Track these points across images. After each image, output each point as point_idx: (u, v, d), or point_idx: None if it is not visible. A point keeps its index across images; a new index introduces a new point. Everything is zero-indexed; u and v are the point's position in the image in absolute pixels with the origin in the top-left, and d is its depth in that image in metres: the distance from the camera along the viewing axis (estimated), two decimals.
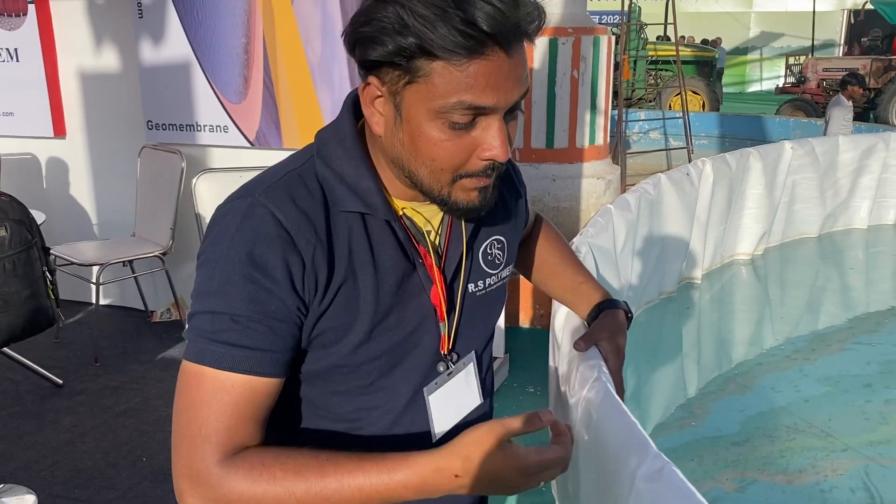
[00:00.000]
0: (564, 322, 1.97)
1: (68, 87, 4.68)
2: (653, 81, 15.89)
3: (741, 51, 26.81)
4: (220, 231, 0.93)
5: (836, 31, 25.47)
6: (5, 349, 3.41)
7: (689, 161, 5.97)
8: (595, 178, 5.93)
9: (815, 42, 21.78)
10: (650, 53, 15.44)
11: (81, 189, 4.83)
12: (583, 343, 1.33)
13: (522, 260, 1.41)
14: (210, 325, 0.90)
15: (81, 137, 4.74)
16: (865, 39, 20.59)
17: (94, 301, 4.27)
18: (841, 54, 22.80)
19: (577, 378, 1.63)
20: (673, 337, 4.57)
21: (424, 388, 1.06)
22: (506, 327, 4.06)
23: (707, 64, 16.98)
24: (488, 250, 1.13)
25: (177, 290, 4.48)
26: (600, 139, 6.12)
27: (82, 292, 4.60)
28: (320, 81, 3.95)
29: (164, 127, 4.40)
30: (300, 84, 4.00)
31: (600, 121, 6.08)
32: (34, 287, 3.03)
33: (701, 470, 3.10)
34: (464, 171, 0.92)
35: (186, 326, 0.95)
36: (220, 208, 0.96)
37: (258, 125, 4.17)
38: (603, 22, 15.91)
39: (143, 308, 4.70)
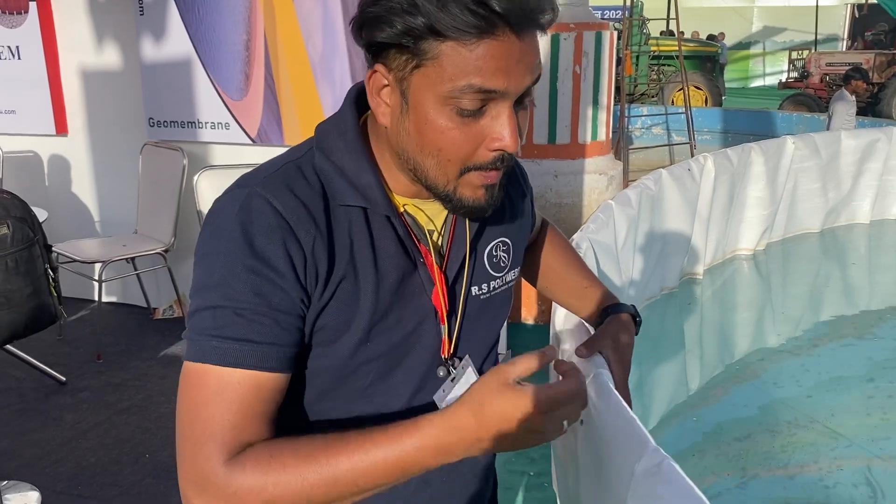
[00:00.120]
0: (565, 318, 1.97)
1: (70, 84, 4.69)
2: (655, 77, 15.87)
3: (744, 45, 26.74)
4: (218, 224, 0.90)
5: (840, 26, 25.38)
6: (8, 346, 3.42)
7: (692, 156, 5.96)
8: (597, 174, 5.92)
9: (819, 36, 21.72)
10: (652, 49, 15.41)
11: (83, 186, 4.84)
12: (585, 349, 1.27)
13: (528, 266, 1.37)
14: (212, 321, 0.86)
15: (83, 135, 4.75)
16: (869, 34, 20.54)
17: (96, 298, 4.28)
18: (844, 49, 22.73)
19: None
20: (674, 333, 4.57)
21: (435, 397, 1.02)
22: (508, 323, 4.06)
23: (709, 59, 16.95)
24: (493, 252, 1.10)
25: (179, 286, 4.49)
26: (602, 135, 6.10)
27: (85, 289, 4.61)
28: (321, 78, 3.96)
29: (165, 124, 4.40)
30: (301, 80, 4.01)
31: (602, 116, 6.06)
32: (36, 284, 3.03)
33: (703, 465, 3.11)
34: (472, 164, 0.89)
35: (187, 327, 0.91)
36: (217, 201, 0.94)
37: (259, 122, 4.17)
38: (605, 17, 15.90)
39: (145, 305, 4.71)
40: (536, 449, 3.17)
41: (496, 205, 0.95)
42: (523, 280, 1.34)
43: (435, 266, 1.00)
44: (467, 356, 1.07)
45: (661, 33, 16.87)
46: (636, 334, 1.28)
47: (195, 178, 4.26)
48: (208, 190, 4.27)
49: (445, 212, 1.02)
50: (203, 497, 0.84)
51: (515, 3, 0.82)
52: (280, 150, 1.02)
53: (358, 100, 0.98)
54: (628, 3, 10.99)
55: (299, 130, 4.06)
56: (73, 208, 4.85)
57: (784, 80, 18.30)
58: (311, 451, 0.83)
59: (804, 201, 5.99)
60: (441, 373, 1.03)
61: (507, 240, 1.12)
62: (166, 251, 4.29)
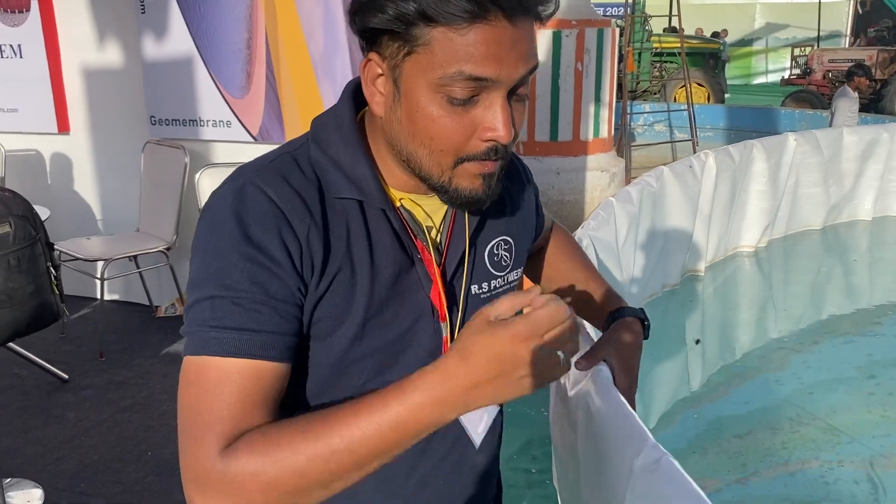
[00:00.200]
0: None
1: (72, 82, 4.69)
2: (657, 73, 15.85)
3: (746, 42, 26.69)
4: (212, 216, 0.89)
5: (843, 22, 25.32)
6: (11, 344, 3.42)
7: (694, 154, 5.96)
8: (599, 170, 5.93)
9: (822, 33, 21.68)
10: (655, 45, 15.39)
11: (85, 185, 4.85)
12: (584, 361, 1.22)
13: (535, 269, 1.35)
14: (210, 313, 0.84)
15: (85, 133, 4.75)
16: (872, 30, 20.51)
17: (98, 296, 4.29)
18: (847, 45, 22.69)
19: (576, 371, 1.64)
20: (676, 329, 4.57)
21: None
22: None
23: (712, 56, 16.92)
24: (494, 251, 1.07)
25: (181, 284, 4.49)
26: (604, 132, 6.12)
27: (87, 288, 4.61)
28: (323, 75, 3.96)
29: (167, 122, 4.41)
30: (303, 78, 4.01)
31: (604, 113, 6.07)
32: (39, 282, 3.03)
33: (704, 462, 3.11)
34: (465, 154, 0.87)
35: (185, 321, 0.89)
36: (213, 194, 0.93)
37: (261, 120, 4.18)
38: (607, 14, 15.88)
39: (147, 303, 4.72)
40: (538, 446, 3.18)
41: (494, 197, 0.93)
42: (523, 278, 1.31)
43: (433, 263, 0.99)
44: None
45: (665, 30, 16.85)
46: (646, 338, 1.25)
47: (197, 176, 4.27)
48: (210, 188, 4.27)
49: (444, 208, 1.00)
50: (204, 495, 0.81)
51: None
52: None
53: (356, 94, 0.98)
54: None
55: (301, 128, 4.04)
56: (75, 206, 4.86)
57: (786, 76, 18.26)
58: (305, 426, 0.81)
59: (806, 198, 6.00)
60: None
61: (508, 239, 1.10)
62: (168, 249, 4.30)
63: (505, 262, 1.09)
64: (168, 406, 3.55)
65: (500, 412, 1.17)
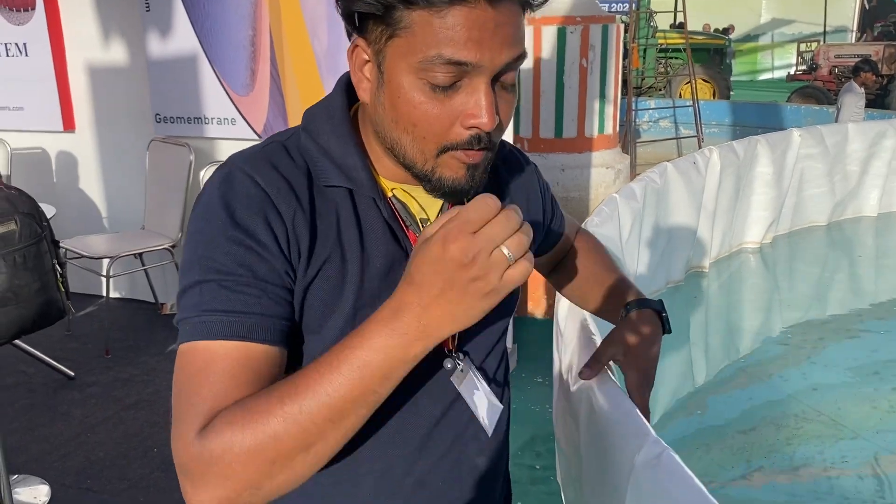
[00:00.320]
0: (568, 311, 1.98)
1: (77, 81, 4.71)
2: (663, 70, 15.82)
3: (752, 37, 26.64)
4: (201, 204, 0.89)
5: (849, 17, 25.26)
6: (17, 342, 3.44)
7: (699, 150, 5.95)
8: (604, 167, 5.92)
9: (828, 28, 21.64)
10: (660, 41, 15.36)
11: (91, 182, 4.86)
12: (588, 370, 1.18)
13: (560, 278, 1.32)
14: (199, 298, 0.83)
15: (90, 131, 4.77)
16: (878, 25, 20.43)
17: (104, 294, 4.30)
18: (853, 40, 22.63)
19: (578, 366, 1.64)
20: (680, 326, 4.57)
21: (453, 379, 0.99)
22: (515, 317, 4.07)
23: (718, 52, 16.88)
24: None
25: None
26: (609, 128, 6.10)
27: (93, 285, 4.63)
28: (327, 73, 3.96)
29: (172, 120, 4.42)
30: (307, 76, 4.01)
31: (609, 110, 6.06)
32: (44, 280, 3.05)
33: (708, 458, 3.11)
34: (448, 143, 0.85)
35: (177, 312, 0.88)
36: (204, 184, 0.92)
37: (266, 117, 4.18)
38: (612, 10, 15.85)
39: (153, 300, 4.73)
40: (543, 443, 3.19)
41: (478, 188, 0.89)
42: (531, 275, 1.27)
43: None
44: (478, 354, 1.04)
45: (671, 26, 16.81)
46: (667, 332, 1.19)
47: (202, 173, 4.28)
48: None
49: (440, 201, 0.99)
50: (191, 479, 0.78)
51: None
52: None
53: (350, 86, 0.96)
54: None
55: None
56: (80, 204, 4.87)
57: (792, 72, 18.22)
58: (277, 389, 0.78)
59: (811, 194, 5.98)
60: (448, 365, 0.99)
61: None
62: (173, 247, 4.31)
63: None
64: None
65: (507, 417, 1.15)
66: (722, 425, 3.44)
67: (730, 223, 5.36)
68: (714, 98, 15.13)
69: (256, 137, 4.22)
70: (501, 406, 1.07)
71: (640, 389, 1.16)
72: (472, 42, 0.80)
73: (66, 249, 4.04)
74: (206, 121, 4.34)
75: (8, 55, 4.76)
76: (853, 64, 9.85)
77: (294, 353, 0.91)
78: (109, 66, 4.60)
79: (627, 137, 8.98)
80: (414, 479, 1.01)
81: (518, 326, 4.13)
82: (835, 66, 15.51)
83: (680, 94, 14.44)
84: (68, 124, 4.76)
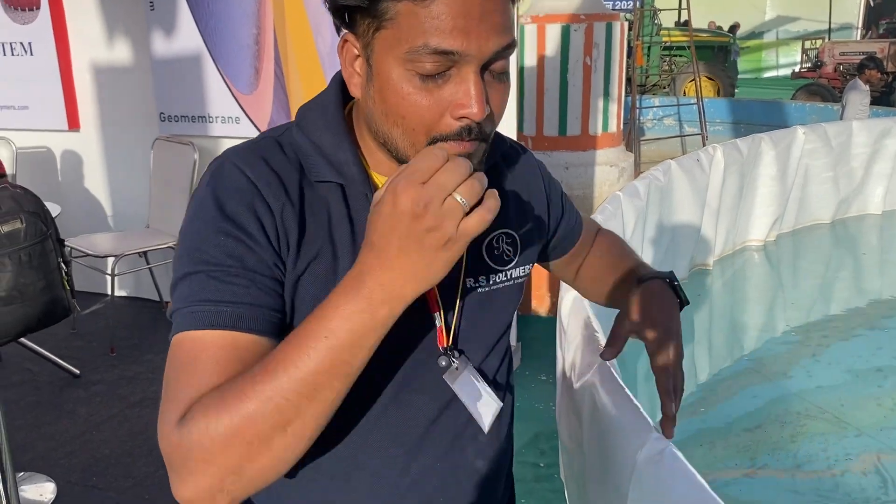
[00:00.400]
0: (571, 308, 1.98)
1: (82, 80, 4.72)
2: (667, 67, 15.80)
3: (756, 35, 26.57)
4: (193, 199, 0.89)
5: (854, 14, 25.15)
6: (23, 340, 3.45)
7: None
8: (608, 165, 5.92)
9: (833, 25, 21.58)
10: (664, 39, 15.35)
11: (96, 181, 4.88)
12: (609, 350, 1.11)
13: (582, 280, 1.29)
14: (188, 290, 0.83)
15: (95, 130, 4.78)
16: (884, 22, 20.39)
17: (109, 292, 4.32)
18: (858, 38, 22.56)
19: (581, 363, 1.65)
20: (684, 323, 4.51)
21: (445, 377, 0.98)
22: (519, 315, 4.07)
23: (722, 49, 16.86)
24: (494, 244, 1.03)
25: None
26: (613, 126, 6.10)
27: (98, 284, 4.65)
28: (331, 71, 3.97)
29: (176, 119, 4.43)
30: (311, 74, 4.02)
31: (613, 108, 6.06)
32: (49, 278, 3.06)
33: (712, 455, 3.11)
34: (438, 134, 0.83)
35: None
36: (199, 180, 0.93)
37: (270, 116, 4.19)
38: (616, 8, 15.83)
39: (157, 299, 4.75)
40: (546, 440, 3.19)
41: None
42: (532, 273, 1.23)
43: None
44: (476, 354, 1.03)
45: (676, 24, 16.79)
46: (686, 302, 1.14)
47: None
48: None
49: None
50: (177, 473, 0.77)
51: None
52: None
53: (344, 83, 0.95)
54: None
55: None
56: (85, 203, 4.89)
57: (797, 69, 18.19)
58: (252, 370, 0.77)
59: (815, 192, 5.97)
60: (443, 362, 0.98)
61: (511, 232, 1.06)
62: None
63: (507, 256, 1.05)
64: None
65: (510, 417, 1.13)
66: (726, 423, 3.44)
67: (734, 221, 5.36)
68: (718, 96, 15.12)
69: None
70: (500, 405, 1.05)
71: (673, 361, 1.07)
72: (457, 31, 0.78)
73: (72, 248, 4.05)
74: (211, 119, 4.35)
75: (13, 54, 4.77)
76: (858, 61, 9.83)
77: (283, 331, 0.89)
78: (114, 66, 4.61)
79: (631, 135, 8.97)
80: (410, 480, 0.99)
81: (522, 324, 4.13)
82: (840, 64, 15.50)
83: (684, 92, 14.43)
84: (73, 123, 4.77)
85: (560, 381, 1.97)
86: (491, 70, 0.83)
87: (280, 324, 0.87)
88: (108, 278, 4.23)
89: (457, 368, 0.99)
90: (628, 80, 8.62)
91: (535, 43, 5.64)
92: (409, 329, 0.94)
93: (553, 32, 5.65)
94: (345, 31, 0.88)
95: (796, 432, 3.28)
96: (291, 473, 0.96)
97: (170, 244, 4.30)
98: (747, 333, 4.53)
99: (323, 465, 0.96)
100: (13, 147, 4.88)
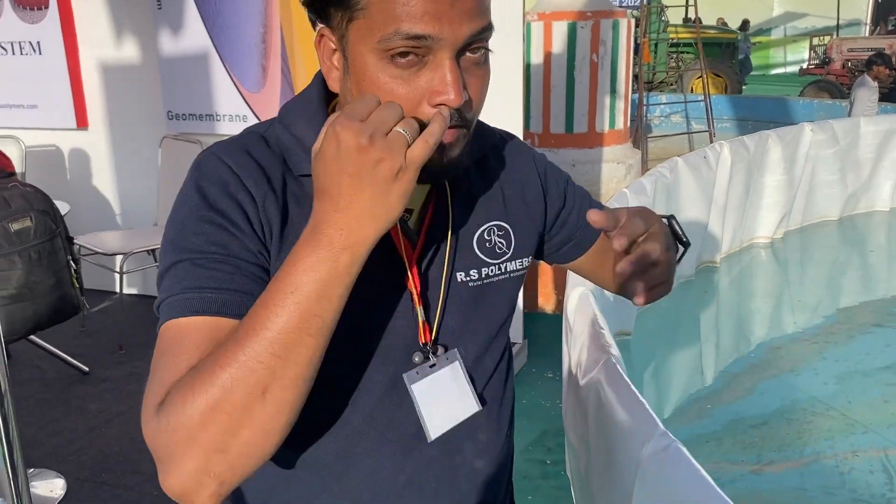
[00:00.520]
0: (577, 305, 1.99)
1: (90, 78, 4.74)
2: (674, 64, 15.76)
3: (764, 31, 26.48)
4: (179, 193, 0.89)
5: (862, 10, 25.05)
6: (32, 337, 3.48)
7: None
8: (615, 162, 5.91)
9: (841, 21, 21.48)
10: (671, 36, 15.30)
11: (104, 179, 4.90)
12: (597, 214, 0.88)
13: (602, 272, 1.18)
14: (172, 280, 0.82)
15: (103, 128, 4.80)
16: (892, 18, 20.31)
17: (118, 290, 4.34)
18: (867, 34, 22.47)
19: (587, 360, 1.65)
20: (691, 321, 4.57)
21: (405, 375, 0.95)
22: (525, 312, 4.08)
23: (729, 46, 16.80)
24: (486, 237, 1.01)
25: None
26: (620, 123, 6.09)
27: (106, 281, 4.67)
28: None
29: (183, 117, 4.45)
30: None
31: (620, 105, 6.05)
32: (59, 276, 3.08)
33: (719, 452, 3.11)
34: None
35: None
36: None
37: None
38: (623, 5, 15.80)
39: None
40: (553, 438, 3.20)
41: (456, 168, 0.87)
42: (539, 270, 1.19)
43: (410, 248, 0.94)
44: (456, 350, 0.99)
45: (684, 20, 16.74)
46: (683, 242, 1.04)
47: None
48: None
49: (424, 192, 0.96)
50: (161, 461, 0.75)
51: None
52: None
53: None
54: None
55: None
56: (94, 201, 4.91)
57: (805, 66, 18.12)
58: (224, 343, 0.75)
59: (822, 189, 5.96)
60: (417, 359, 0.95)
61: (503, 225, 1.03)
62: None
63: (500, 249, 1.03)
64: None
65: (509, 419, 1.10)
66: (733, 420, 3.44)
67: (741, 218, 5.35)
68: (726, 93, 15.07)
69: None
70: (479, 408, 1.01)
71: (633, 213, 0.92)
72: (428, 16, 0.77)
73: (80, 246, 4.07)
74: (218, 118, 4.37)
75: (22, 53, 4.79)
76: (866, 57, 9.80)
77: None
78: (122, 64, 4.63)
79: (638, 132, 8.96)
80: (405, 479, 0.97)
81: (528, 321, 4.13)
82: (848, 60, 15.43)
83: (691, 89, 14.38)
84: (81, 122, 4.79)
85: (566, 378, 1.98)
86: (468, 55, 0.82)
87: None
88: (117, 276, 4.25)
89: (431, 366, 0.96)
90: (635, 77, 8.61)
91: (542, 40, 5.64)
92: (399, 325, 0.94)
93: (559, 30, 5.65)
94: (320, 25, 0.87)
95: (803, 429, 3.27)
96: (283, 472, 0.95)
97: None
98: (754, 330, 4.53)
99: (314, 464, 0.95)
100: (22, 146, 4.90)
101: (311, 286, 0.73)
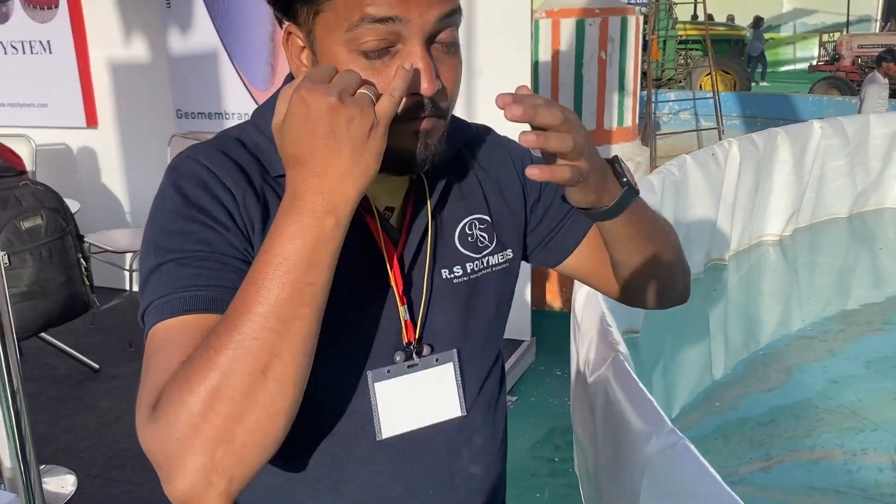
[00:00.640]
0: (585, 303, 2.00)
1: (100, 77, 4.76)
2: (683, 61, 15.71)
3: (774, 28, 26.38)
4: (155, 197, 0.87)
5: (873, 7, 24.92)
6: (43, 334, 3.50)
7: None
8: (624, 159, 5.92)
9: (851, 18, 21.38)
10: (680, 33, 15.26)
11: (114, 178, 4.92)
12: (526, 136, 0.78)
13: (605, 272, 1.08)
14: (157, 283, 0.79)
15: (113, 127, 4.82)
16: None
17: (127, 287, 4.36)
18: (877, 30, 22.35)
19: (596, 357, 1.66)
20: (700, 319, 4.56)
21: (369, 372, 0.91)
22: (533, 310, 4.08)
23: (738, 42, 16.75)
24: (467, 231, 0.98)
25: None
26: (629, 121, 6.08)
27: (116, 279, 4.68)
28: None
29: (192, 115, 4.46)
30: None
31: (629, 102, 6.04)
32: (69, 274, 3.10)
33: (727, 450, 3.11)
34: None
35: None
36: None
37: None
38: (631, 2, 15.76)
39: None
40: (561, 435, 3.20)
41: (432, 158, 0.85)
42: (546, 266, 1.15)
43: (391, 245, 0.92)
44: (454, 351, 0.96)
45: (692, 17, 16.69)
46: (629, 185, 0.96)
47: None
48: None
49: (404, 189, 0.95)
50: (161, 466, 0.72)
51: None
52: None
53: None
54: None
55: None
56: (104, 199, 4.93)
57: (815, 63, 18.04)
58: (216, 328, 0.73)
59: (832, 186, 5.94)
60: (398, 358, 0.92)
61: (485, 217, 1.00)
62: None
63: (482, 242, 0.99)
64: None
65: (503, 425, 1.07)
66: (741, 417, 3.44)
67: (749, 215, 5.34)
68: (735, 90, 15.02)
69: None
70: (462, 414, 0.97)
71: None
72: None
73: (91, 244, 4.09)
74: (227, 116, 4.38)
75: (32, 52, 4.81)
76: (877, 54, 9.74)
77: None
78: (131, 63, 4.65)
79: (647, 130, 8.94)
80: (402, 486, 0.95)
81: (536, 319, 4.13)
82: (858, 57, 15.35)
83: (700, 86, 14.35)
84: (91, 120, 4.81)
85: (574, 375, 1.99)
86: (438, 42, 0.82)
87: None
88: (127, 274, 4.27)
89: (410, 366, 0.93)
90: (643, 74, 8.58)
91: (550, 37, 5.64)
92: (384, 325, 0.92)
93: (567, 27, 5.64)
94: (287, 23, 0.86)
95: (812, 427, 3.27)
96: (278, 484, 0.93)
97: None
98: (763, 328, 4.52)
99: (308, 475, 0.93)
100: (33, 144, 4.93)
101: (300, 254, 0.72)
